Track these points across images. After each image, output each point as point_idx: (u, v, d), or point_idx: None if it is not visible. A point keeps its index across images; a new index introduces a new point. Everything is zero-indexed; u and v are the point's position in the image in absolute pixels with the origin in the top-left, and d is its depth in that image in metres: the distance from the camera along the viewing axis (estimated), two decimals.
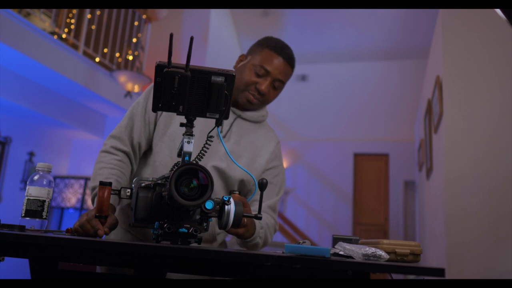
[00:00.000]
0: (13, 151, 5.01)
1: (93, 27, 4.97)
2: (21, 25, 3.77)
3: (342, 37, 7.74)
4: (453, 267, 3.08)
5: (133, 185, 1.00)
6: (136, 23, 5.55)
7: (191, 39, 0.86)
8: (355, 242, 1.03)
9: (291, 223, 6.97)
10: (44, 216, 1.12)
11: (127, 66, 5.46)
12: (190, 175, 0.89)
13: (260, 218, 1.01)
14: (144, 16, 5.67)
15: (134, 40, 5.50)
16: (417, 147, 6.46)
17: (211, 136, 1.05)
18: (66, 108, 5.03)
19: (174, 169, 0.93)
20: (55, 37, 4.45)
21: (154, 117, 1.36)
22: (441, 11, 3.77)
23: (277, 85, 1.40)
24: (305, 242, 1.00)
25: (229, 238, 3.26)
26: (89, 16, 4.93)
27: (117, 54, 5.37)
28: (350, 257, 0.91)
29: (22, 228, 1.03)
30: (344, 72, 8.30)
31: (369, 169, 7.84)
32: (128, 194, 0.99)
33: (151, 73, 5.28)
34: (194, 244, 0.98)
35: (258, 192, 1.05)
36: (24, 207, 1.11)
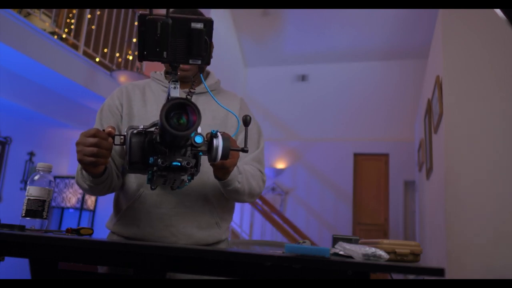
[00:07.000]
0: (13, 151, 5.01)
1: (93, 27, 4.97)
2: (21, 25, 3.76)
3: (342, 37, 7.73)
4: (453, 267, 3.07)
5: (125, 133, 1.03)
6: (136, 23, 5.55)
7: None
8: (355, 242, 1.03)
9: (291, 223, 6.96)
10: (45, 216, 1.12)
11: (127, 66, 5.46)
12: (180, 110, 0.91)
13: (246, 151, 1.04)
14: None
15: (134, 40, 5.49)
16: (417, 147, 6.46)
17: (193, 86, 1.09)
18: (66, 108, 5.03)
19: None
20: (55, 37, 4.44)
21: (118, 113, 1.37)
22: (441, 11, 3.77)
23: None
24: (305, 242, 1.00)
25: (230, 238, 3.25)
26: (89, 16, 4.93)
27: (117, 54, 5.37)
28: (350, 257, 0.91)
29: (22, 228, 1.03)
30: (344, 72, 8.30)
31: (369, 169, 7.84)
32: (122, 140, 1.01)
33: None
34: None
35: (241, 128, 1.06)
36: (24, 207, 1.11)
